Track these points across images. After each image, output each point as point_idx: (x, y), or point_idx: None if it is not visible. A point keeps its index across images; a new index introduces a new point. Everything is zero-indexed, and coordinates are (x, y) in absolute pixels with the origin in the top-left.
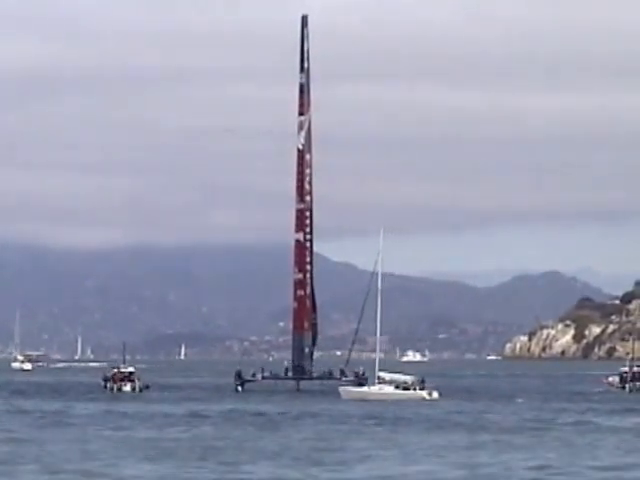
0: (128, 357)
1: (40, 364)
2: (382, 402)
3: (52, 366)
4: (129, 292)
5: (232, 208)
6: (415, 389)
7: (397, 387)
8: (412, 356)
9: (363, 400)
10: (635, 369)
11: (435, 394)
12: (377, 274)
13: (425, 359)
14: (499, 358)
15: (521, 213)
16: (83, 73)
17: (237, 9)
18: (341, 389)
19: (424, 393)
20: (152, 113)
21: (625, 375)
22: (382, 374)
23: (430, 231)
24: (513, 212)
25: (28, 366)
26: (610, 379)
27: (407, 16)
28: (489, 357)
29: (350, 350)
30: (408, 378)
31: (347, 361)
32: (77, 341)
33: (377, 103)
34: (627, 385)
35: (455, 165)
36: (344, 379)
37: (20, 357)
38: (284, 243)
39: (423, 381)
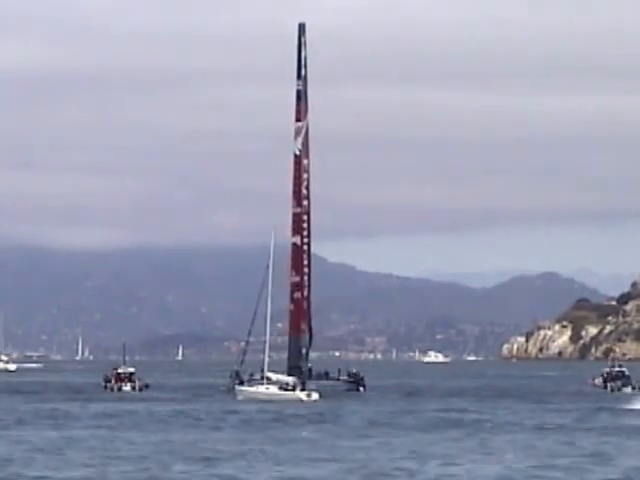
0: (127, 358)
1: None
2: (265, 402)
3: (29, 366)
4: (128, 293)
5: (232, 209)
6: (295, 390)
7: (280, 388)
8: (434, 357)
9: (252, 399)
10: (616, 369)
11: (315, 395)
12: (268, 274)
13: (447, 359)
14: (479, 359)
15: (520, 214)
16: (84, 74)
17: (237, 11)
18: (237, 388)
19: (302, 394)
20: (152, 114)
21: (607, 375)
22: (270, 374)
23: (429, 231)
24: (512, 213)
25: (13, 367)
26: (596, 380)
27: (407, 17)
28: (469, 358)
29: (244, 351)
30: (290, 379)
31: (242, 362)
32: (77, 342)
33: (377, 104)
34: (609, 385)
35: (455, 165)
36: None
37: (4, 357)
38: (284, 244)
39: (304, 383)
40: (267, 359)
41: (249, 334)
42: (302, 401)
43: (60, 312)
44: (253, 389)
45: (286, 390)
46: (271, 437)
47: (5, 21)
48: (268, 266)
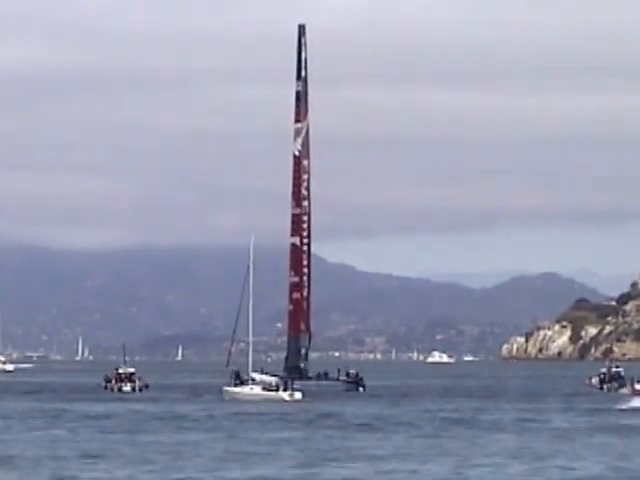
0: (127, 358)
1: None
2: (248, 402)
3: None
4: (128, 293)
5: (231, 209)
6: (278, 390)
7: (264, 388)
8: (438, 357)
9: (236, 400)
10: (613, 370)
11: (297, 395)
12: (249, 279)
13: (452, 360)
14: (476, 359)
15: (520, 214)
16: (84, 74)
17: (238, 11)
18: (224, 389)
19: (285, 394)
20: (152, 114)
21: (604, 376)
22: (254, 375)
23: (429, 231)
24: (512, 213)
25: (10, 367)
26: (593, 380)
27: (407, 17)
28: (466, 358)
29: (230, 352)
30: (273, 380)
31: (227, 362)
32: (77, 342)
33: (377, 104)
34: (605, 386)
35: (455, 166)
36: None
37: (2, 358)
38: (283, 245)
39: (286, 382)
40: (251, 359)
41: (234, 333)
42: (285, 401)
43: (60, 312)
44: (238, 390)
45: (269, 390)
46: (256, 437)
47: (5, 21)
48: (248, 267)
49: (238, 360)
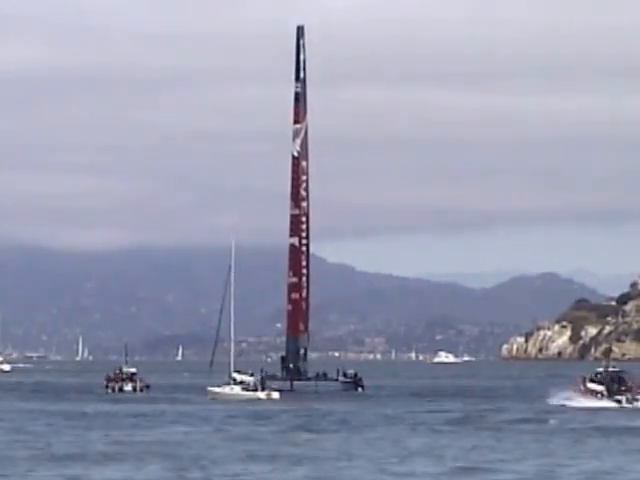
0: (127, 358)
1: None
2: (229, 401)
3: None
4: (128, 293)
5: (231, 210)
6: (256, 390)
7: (243, 388)
8: (444, 357)
9: (218, 399)
10: (610, 370)
11: (275, 395)
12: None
13: (458, 360)
14: (473, 359)
15: (520, 214)
16: (84, 74)
17: (238, 11)
18: (208, 389)
19: (262, 394)
20: (152, 114)
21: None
22: (235, 375)
23: (429, 231)
24: (512, 213)
25: (7, 367)
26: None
27: (407, 17)
28: (464, 358)
29: (213, 352)
30: (251, 380)
31: (211, 362)
32: (77, 342)
33: (377, 104)
34: None
35: (454, 166)
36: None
37: None
38: (283, 245)
39: (263, 382)
40: (233, 360)
41: (217, 334)
42: (261, 400)
43: (60, 312)
44: (219, 389)
45: (247, 390)
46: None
47: (5, 21)
48: (230, 267)
49: (237, 360)
